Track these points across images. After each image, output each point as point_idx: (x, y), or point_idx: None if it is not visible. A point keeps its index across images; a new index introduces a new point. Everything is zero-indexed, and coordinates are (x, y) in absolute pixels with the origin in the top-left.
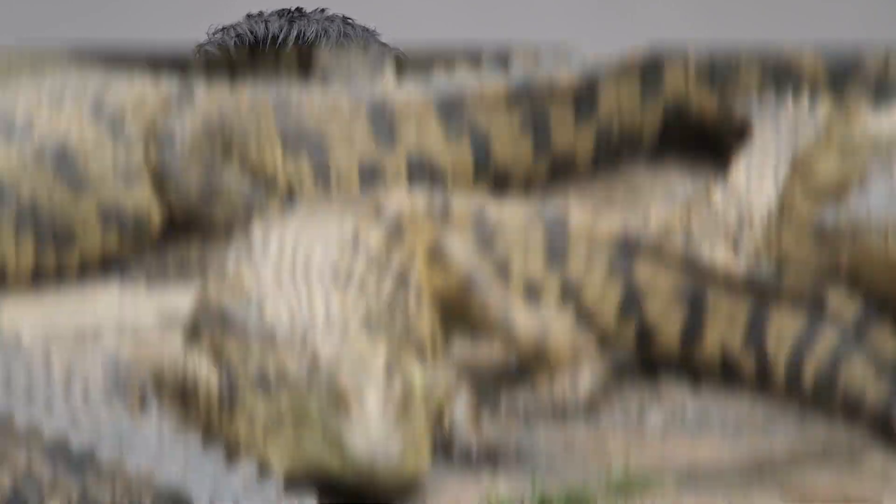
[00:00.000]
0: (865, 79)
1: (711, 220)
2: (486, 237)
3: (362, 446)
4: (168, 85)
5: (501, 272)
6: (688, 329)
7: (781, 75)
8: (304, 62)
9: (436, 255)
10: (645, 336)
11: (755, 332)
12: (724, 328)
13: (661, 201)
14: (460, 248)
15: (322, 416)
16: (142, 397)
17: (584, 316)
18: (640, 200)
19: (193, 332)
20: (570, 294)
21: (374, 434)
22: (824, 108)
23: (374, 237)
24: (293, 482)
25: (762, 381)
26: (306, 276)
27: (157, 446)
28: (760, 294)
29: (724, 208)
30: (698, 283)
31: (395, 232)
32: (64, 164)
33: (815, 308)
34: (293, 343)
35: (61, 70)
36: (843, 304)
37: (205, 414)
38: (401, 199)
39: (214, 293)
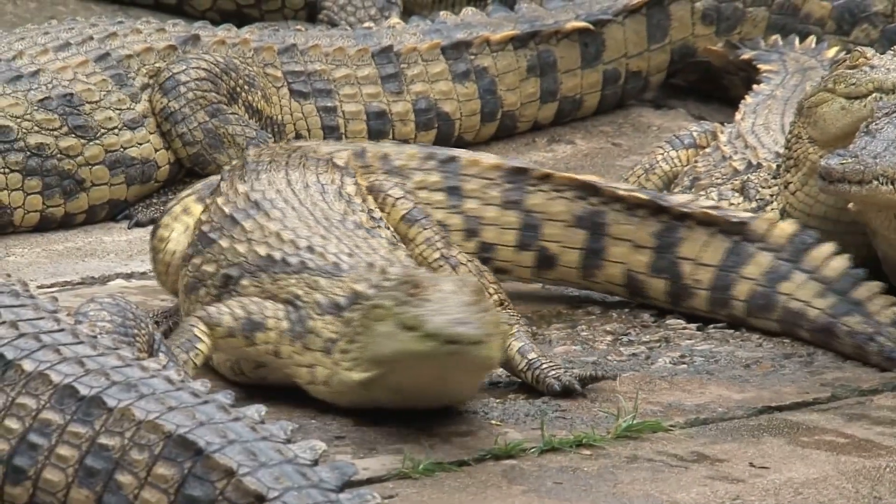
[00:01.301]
0: (872, 22)
1: (718, 163)
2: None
3: (442, 319)
4: (173, 31)
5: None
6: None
7: (788, 17)
8: (309, 5)
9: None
10: (545, 263)
11: (664, 256)
12: (626, 252)
13: (667, 144)
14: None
15: (397, 308)
16: (149, 343)
17: (486, 249)
18: (648, 143)
19: (225, 283)
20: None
21: (453, 307)
22: (831, 51)
23: (348, 185)
24: (374, 387)
25: (676, 303)
26: (318, 223)
27: (165, 393)
28: (666, 219)
29: (731, 152)
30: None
31: (352, 178)
32: (70, 111)
33: (737, 233)
34: (359, 272)
35: (69, 16)
36: (772, 229)
37: (273, 349)
38: (333, 150)
39: (243, 248)
